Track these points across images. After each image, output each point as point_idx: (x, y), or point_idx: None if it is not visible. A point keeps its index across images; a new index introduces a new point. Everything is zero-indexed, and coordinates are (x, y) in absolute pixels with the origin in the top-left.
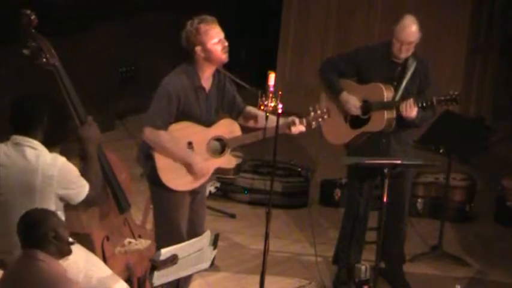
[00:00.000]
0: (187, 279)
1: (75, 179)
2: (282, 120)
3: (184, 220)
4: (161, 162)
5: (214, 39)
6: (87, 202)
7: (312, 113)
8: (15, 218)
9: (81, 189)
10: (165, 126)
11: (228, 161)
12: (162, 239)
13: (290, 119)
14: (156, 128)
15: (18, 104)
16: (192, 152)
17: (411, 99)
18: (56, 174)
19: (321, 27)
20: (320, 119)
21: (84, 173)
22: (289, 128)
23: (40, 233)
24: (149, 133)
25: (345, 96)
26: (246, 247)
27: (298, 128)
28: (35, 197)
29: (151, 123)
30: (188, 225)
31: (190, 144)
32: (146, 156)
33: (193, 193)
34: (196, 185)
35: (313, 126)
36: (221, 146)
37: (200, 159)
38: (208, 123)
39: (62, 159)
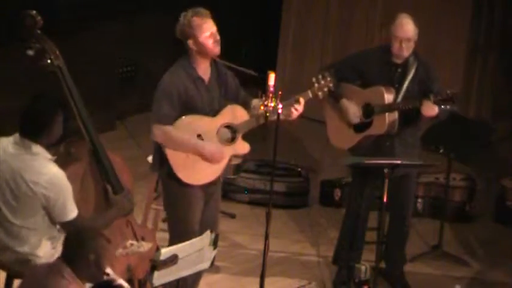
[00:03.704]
0: (196, 280)
1: (61, 196)
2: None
3: (198, 222)
4: (175, 159)
5: (206, 33)
6: (70, 228)
7: (316, 84)
8: (3, 215)
9: (65, 211)
10: (171, 123)
11: (241, 147)
12: (175, 240)
13: (293, 99)
14: (163, 124)
15: (32, 104)
16: (201, 141)
17: (428, 99)
18: (41, 183)
19: (321, 27)
20: (326, 89)
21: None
22: (291, 109)
23: (81, 253)
24: (157, 131)
25: (344, 103)
26: (246, 247)
27: (297, 108)
28: (19, 200)
29: (157, 121)
30: (201, 229)
31: (199, 136)
32: (160, 160)
33: (208, 193)
34: (214, 176)
35: (320, 97)
36: (231, 132)
37: (209, 145)
38: (213, 113)
39: (55, 171)
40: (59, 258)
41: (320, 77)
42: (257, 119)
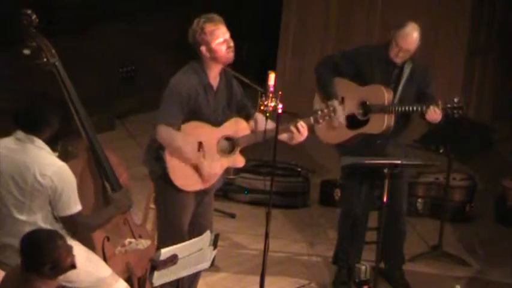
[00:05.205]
0: (194, 280)
1: (67, 189)
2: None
3: (186, 223)
4: (172, 162)
5: (219, 39)
6: (71, 223)
7: (319, 112)
8: (8, 211)
9: (70, 204)
10: (177, 125)
11: (238, 160)
12: (163, 240)
13: (291, 127)
14: (169, 125)
15: (30, 101)
16: (201, 156)
17: (436, 105)
18: (49, 175)
19: (321, 27)
20: (327, 117)
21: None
22: (290, 132)
23: (38, 262)
24: (162, 131)
25: (335, 105)
26: (246, 247)
27: (299, 127)
28: (26, 194)
29: (164, 121)
30: (195, 228)
31: (200, 144)
32: (155, 157)
33: (200, 195)
34: (206, 185)
35: (321, 124)
36: (231, 145)
37: (208, 164)
38: (217, 122)
39: (61, 164)
40: (22, 267)
41: (324, 105)
42: (257, 135)
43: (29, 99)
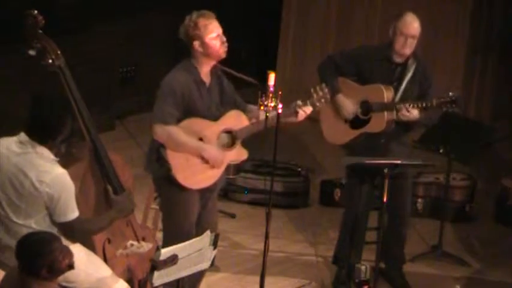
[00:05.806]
0: (197, 281)
1: (64, 196)
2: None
3: (193, 223)
4: (175, 161)
5: (213, 34)
6: (68, 229)
7: (315, 95)
8: (5, 213)
9: (67, 211)
10: (174, 122)
11: (240, 153)
12: (169, 241)
13: (293, 104)
14: (166, 124)
15: (41, 109)
16: (202, 143)
17: (407, 104)
18: (46, 182)
19: (321, 27)
20: (323, 100)
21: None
22: (296, 115)
23: (34, 266)
24: (159, 130)
25: (340, 99)
26: (246, 247)
27: (305, 110)
28: (23, 198)
29: (161, 120)
30: (198, 232)
31: (201, 140)
32: (156, 158)
33: (205, 197)
34: (211, 181)
35: (317, 108)
36: (231, 138)
37: (210, 148)
38: (211, 118)
39: (61, 171)
40: (20, 270)
41: (318, 88)
42: (256, 125)
43: (41, 106)
